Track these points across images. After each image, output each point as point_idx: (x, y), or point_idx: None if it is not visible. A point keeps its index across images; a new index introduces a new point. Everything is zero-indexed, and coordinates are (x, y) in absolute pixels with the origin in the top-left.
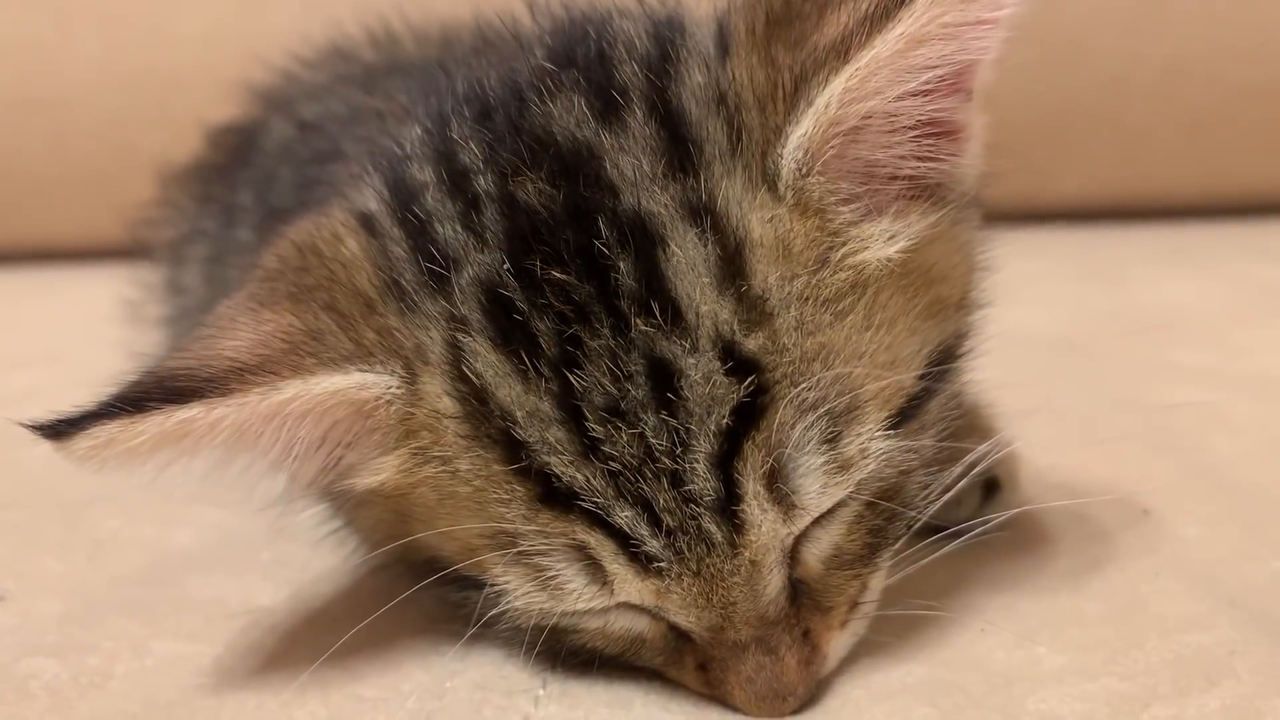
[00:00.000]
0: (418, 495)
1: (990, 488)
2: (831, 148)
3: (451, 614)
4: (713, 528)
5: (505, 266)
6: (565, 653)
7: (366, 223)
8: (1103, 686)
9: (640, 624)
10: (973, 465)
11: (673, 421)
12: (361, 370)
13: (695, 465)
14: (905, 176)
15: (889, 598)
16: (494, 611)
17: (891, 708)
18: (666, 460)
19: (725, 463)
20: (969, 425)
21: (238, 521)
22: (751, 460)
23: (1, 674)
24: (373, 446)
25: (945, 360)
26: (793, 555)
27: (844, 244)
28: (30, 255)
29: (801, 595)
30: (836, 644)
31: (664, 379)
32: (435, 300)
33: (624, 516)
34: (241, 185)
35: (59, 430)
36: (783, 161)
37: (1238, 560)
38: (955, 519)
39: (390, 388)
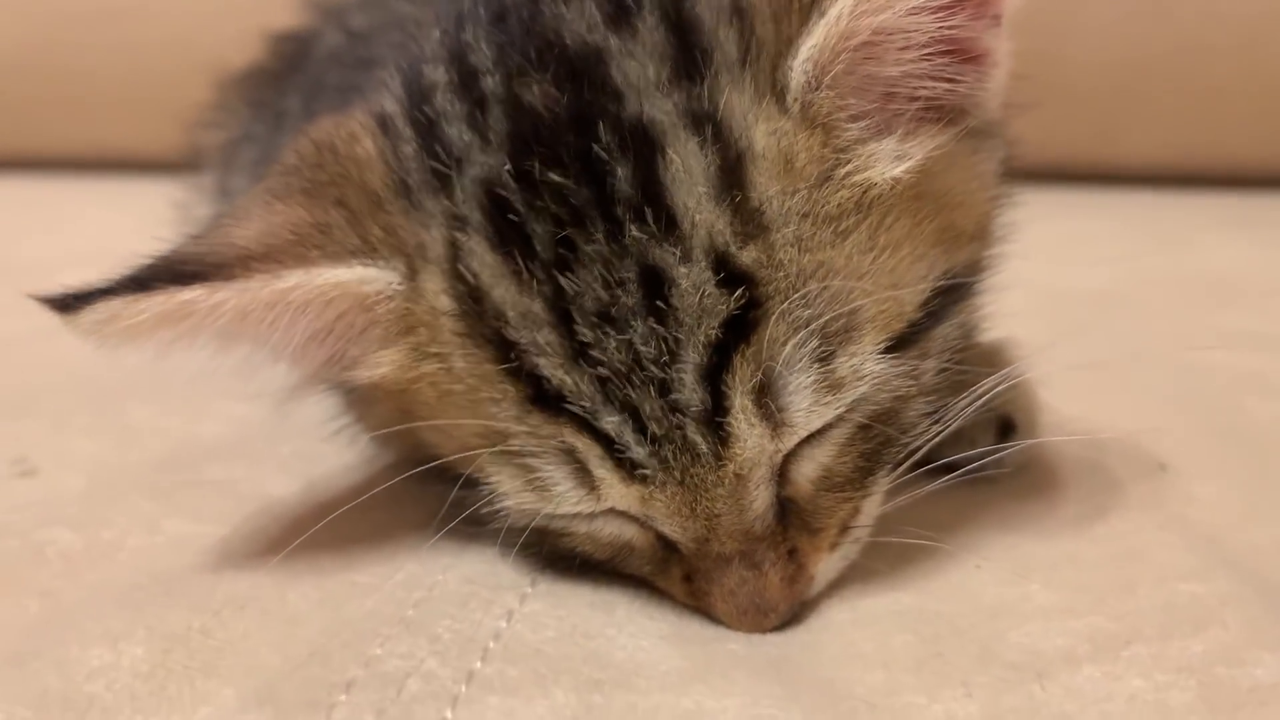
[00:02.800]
0: (417, 392)
1: (1006, 430)
2: (841, 62)
3: (451, 513)
4: (698, 438)
5: (506, 167)
6: (555, 556)
7: (383, 123)
8: (1088, 624)
9: (628, 531)
10: (980, 399)
11: (662, 330)
12: (364, 265)
13: (683, 375)
14: (920, 97)
15: (886, 526)
16: (487, 510)
17: (872, 632)
18: (654, 368)
19: (714, 375)
20: (988, 363)
21: (262, 417)
22: (740, 374)
23: (22, 540)
24: (373, 341)
25: (954, 289)
26: (782, 474)
27: (849, 161)
28: (98, 163)
29: (790, 514)
30: (824, 566)
31: (655, 287)
32: (438, 199)
33: (610, 422)
34: (291, 91)
35: (67, 304)
36: (792, 74)
37: (1246, 522)
38: (969, 458)
39: (391, 283)
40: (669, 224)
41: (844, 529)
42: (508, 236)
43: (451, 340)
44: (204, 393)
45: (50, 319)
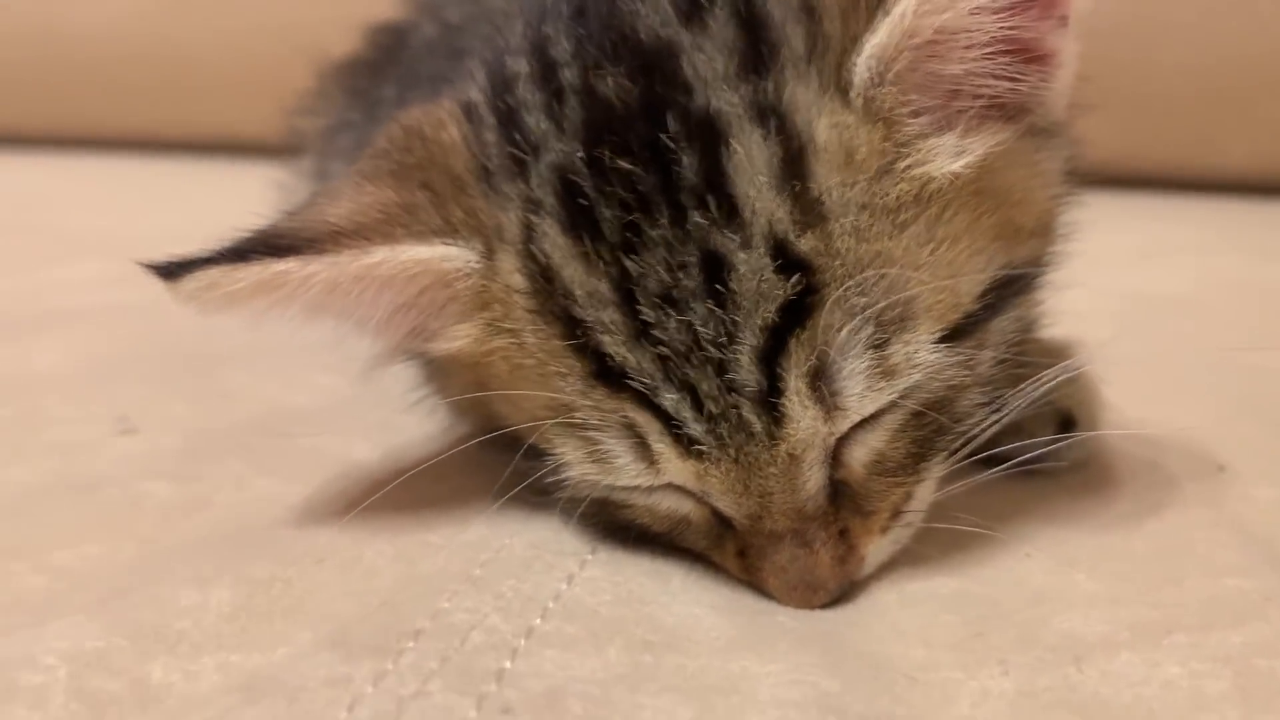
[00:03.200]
0: (490, 364)
1: (1066, 425)
2: (905, 59)
3: (518, 481)
4: (752, 418)
5: (579, 155)
6: (615, 526)
7: (468, 111)
8: (1130, 613)
9: (685, 506)
10: (1038, 392)
11: (720, 313)
12: (445, 244)
13: (739, 356)
14: (982, 95)
15: (939, 513)
16: (552, 480)
17: (916, 612)
18: (712, 349)
19: (770, 357)
20: (1049, 357)
21: (349, 388)
22: (795, 357)
23: (121, 491)
24: (451, 315)
25: (1012, 283)
26: (835, 456)
27: (910, 155)
28: (208, 146)
29: (842, 496)
30: (875, 548)
31: (715, 271)
32: (515, 183)
33: (669, 399)
34: (387, 81)
35: (171, 271)
36: (856, 70)
37: None
38: (1026, 449)
39: (469, 262)
40: (730, 211)
41: (896, 513)
42: (578, 220)
43: (523, 317)
44: (297, 364)
45: (157, 291)
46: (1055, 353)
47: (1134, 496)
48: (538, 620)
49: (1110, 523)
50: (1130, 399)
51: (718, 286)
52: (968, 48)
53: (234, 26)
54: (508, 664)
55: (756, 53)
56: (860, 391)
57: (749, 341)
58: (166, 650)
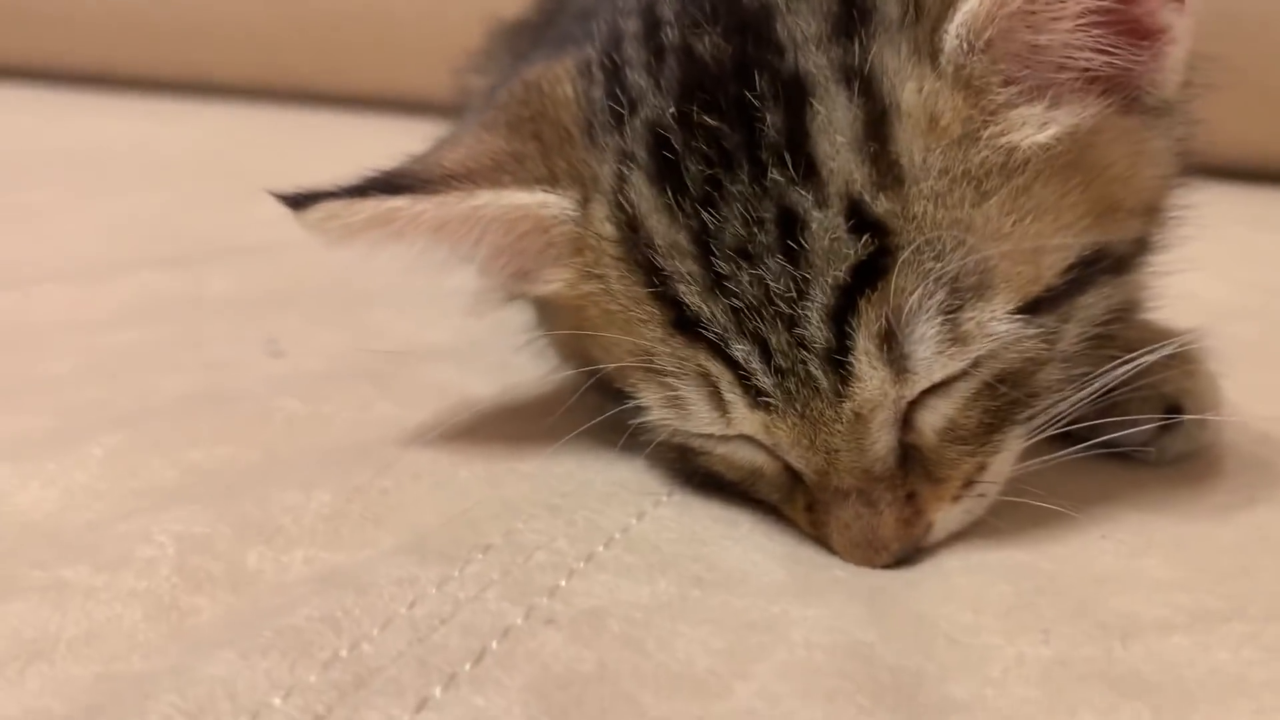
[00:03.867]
0: (583, 308)
1: (1172, 414)
2: (995, 27)
3: (615, 426)
4: (819, 374)
5: (671, 110)
6: (693, 472)
7: (583, 67)
8: (1194, 599)
9: (759, 458)
10: (1125, 374)
11: (792, 269)
12: (545, 191)
13: (809, 313)
14: (1077, 67)
15: (1019, 488)
16: (638, 422)
17: (974, 580)
18: (783, 305)
19: (840, 316)
20: (1151, 340)
21: (482, 331)
22: (865, 317)
23: (257, 404)
24: (548, 259)
25: (1105, 260)
26: (906, 420)
27: (996, 124)
28: (402, 104)
29: (912, 460)
30: (944, 515)
31: (790, 228)
32: (613, 136)
33: (740, 350)
34: (544, 43)
35: (299, 201)
36: (947, 36)
37: None
38: (1129, 441)
39: (566, 209)
40: (808, 169)
41: (968, 483)
42: (665, 173)
43: (611, 263)
44: (437, 306)
45: None
46: (1159, 336)
47: (1232, 489)
48: (600, 548)
49: (1201, 513)
50: (1256, 392)
51: (790, 243)
52: (1058, 18)
53: None
54: (563, 582)
55: (850, 17)
56: (930, 356)
57: (819, 299)
58: (264, 541)
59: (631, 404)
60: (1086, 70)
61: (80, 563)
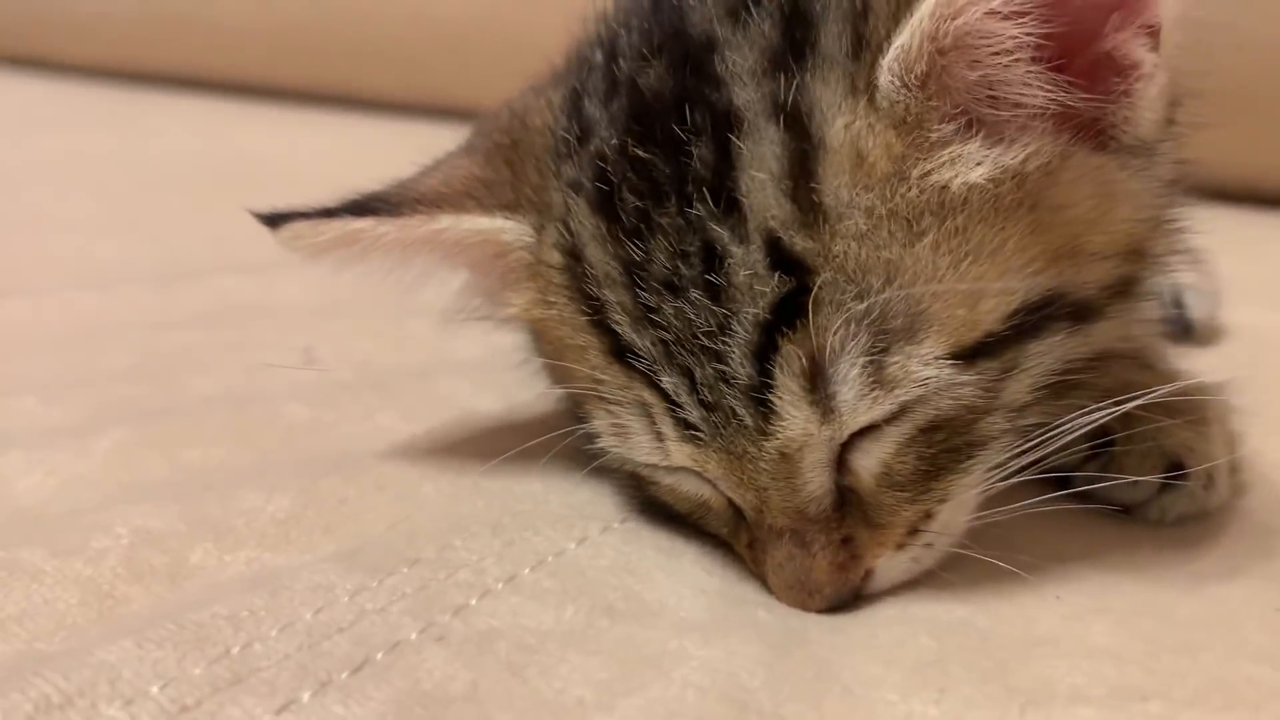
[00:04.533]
0: (544, 333)
1: (1173, 471)
2: (930, 62)
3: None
4: (743, 411)
5: (613, 141)
6: (649, 503)
7: (563, 99)
8: (1121, 672)
9: (705, 491)
10: (1082, 426)
11: (713, 304)
12: (505, 218)
13: (731, 349)
14: (1023, 105)
15: (988, 538)
16: (591, 448)
17: (901, 631)
18: (705, 339)
19: (762, 353)
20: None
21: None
22: (786, 354)
23: (266, 409)
24: (509, 283)
25: (1063, 307)
26: (842, 462)
27: (929, 162)
28: None
29: (851, 504)
30: (886, 563)
31: (711, 263)
32: (566, 165)
33: (669, 382)
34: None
35: (272, 220)
36: (881, 72)
37: None
38: (1126, 498)
39: (522, 235)
40: (730, 205)
41: (913, 531)
42: (603, 203)
43: (557, 290)
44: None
45: None
46: (1160, 383)
47: (1221, 558)
48: (527, 570)
49: (1173, 581)
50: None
51: (711, 278)
52: (997, 54)
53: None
54: (473, 601)
55: (787, 51)
56: (854, 398)
57: (740, 334)
58: (214, 539)
59: (583, 429)
60: (1039, 108)
61: (40, 546)
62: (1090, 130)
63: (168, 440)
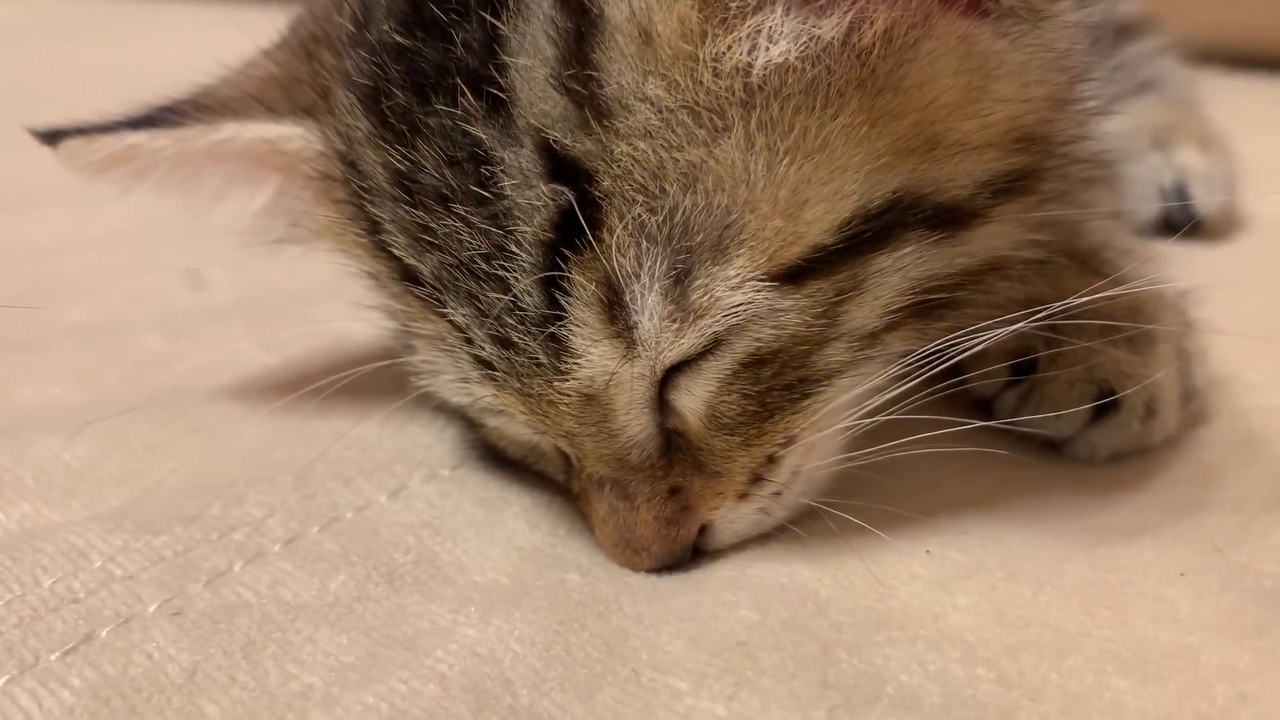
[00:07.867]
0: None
1: (1104, 401)
2: None
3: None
4: (536, 347)
5: (384, 27)
6: (487, 448)
7: None
8: (968, 675)
9: (531, 433)
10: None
11: (490, 222)
12: (294, 123)
13: (513, 275)
14: None
15: (866, 488)
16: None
17: (724, 601)
18: (485, 264)
19: (550, 280)
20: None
21: None
22: (576, 280)
23: (121, 339)
24: (309, 198)
25: (920, 211)
26: (664, 402)
27: (727, 39)
28: None
29: (679, 450)
30: (728, 517)
31: (483, 170)
32: (347, 59)
33: (459, 313)
34: None
35: (50, 137)
36: None
37: None
38: (1051, 432)
39: (312, 142)
40: (494, 101)
41: (755, 478)
42: (372, 103)
43: (342, 206)
44: None
45: None
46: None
47: (1138, 510)
48: (314, 529)
49: (1069, 536)
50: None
51: (481, 190)
52: None
53: None
54: (237, 567)
55: None
56: (656, 328)
57: (521, 258)
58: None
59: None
60: None
61: None
62: None
63: (14, 376)
